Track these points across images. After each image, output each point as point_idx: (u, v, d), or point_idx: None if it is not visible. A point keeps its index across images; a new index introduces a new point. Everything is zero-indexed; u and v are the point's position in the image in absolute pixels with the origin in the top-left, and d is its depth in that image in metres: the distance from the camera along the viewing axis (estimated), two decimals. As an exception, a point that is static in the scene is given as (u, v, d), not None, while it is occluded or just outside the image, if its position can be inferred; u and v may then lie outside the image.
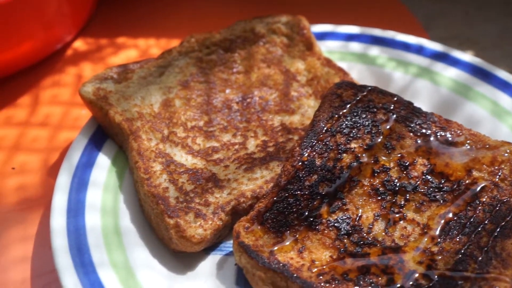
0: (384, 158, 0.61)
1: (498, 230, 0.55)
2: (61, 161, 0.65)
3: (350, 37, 0.80)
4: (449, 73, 0.75)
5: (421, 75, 0.76)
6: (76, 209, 0.61)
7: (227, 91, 0.72)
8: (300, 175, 0.59)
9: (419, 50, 0.78)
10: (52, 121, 0.78)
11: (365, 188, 0.59)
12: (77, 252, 0.57)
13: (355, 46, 0.79)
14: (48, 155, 0.74)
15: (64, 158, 0.65)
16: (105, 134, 0.68)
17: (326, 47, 0.79)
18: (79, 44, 0.90)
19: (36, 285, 0.61)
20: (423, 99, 0.73)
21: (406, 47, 0.79)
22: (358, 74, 0.77)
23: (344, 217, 0.57)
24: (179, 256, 0.61)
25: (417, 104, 0.66)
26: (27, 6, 0.73)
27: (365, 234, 0.56)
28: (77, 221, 0.60)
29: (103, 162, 0.66)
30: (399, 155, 0.61)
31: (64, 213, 0.60)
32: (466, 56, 0.76)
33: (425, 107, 0.69)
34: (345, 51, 0.79)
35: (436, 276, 0.52)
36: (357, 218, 0.57)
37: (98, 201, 0.62)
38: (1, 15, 0.71)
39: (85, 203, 0.61)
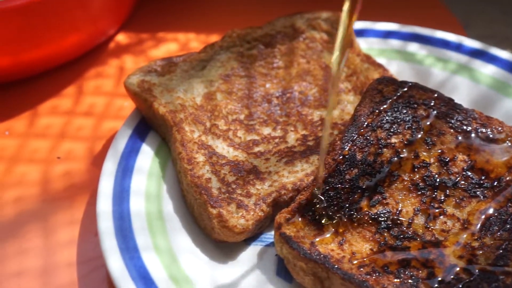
0: (424, 153, 0.62)
1: (539, 226, 0.55)
2: (106, 150, 0.67)
3: (388, 34, 0.81)
4: (487, 70, 0.75)
5: (459, 71, 0.76)
6: (121, 195, 0.62)
7: (267, 85, 0.73)
8: (341, 169, 0.60)
9: (457, 47, 0.78)
10: (96, 111, 0.80)
11: (405, 183, 0.60)
12: (122, 236, 0.59)
13: (394, 43, 0.79)
14: (93, 143, 0.76)
15: (109, 147, 0.66)
16: (148, 125, 0.70)
17: (365, 43, 0.79)
18: (121, 38, 0.92)
19: (82, 270, 0.63)
20: (462, 95, 0.73)
21: (444, 43, 0.79)
22: (397, 70, 0.77)
23: (384, 211, 0.58)
24: (221, 245, 0.62)
25: (455, 100, 0.66)
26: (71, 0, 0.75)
27: (405, 228, 0.57)
28: (122, 206, 0.62)
29: (146, 153, 0.67)
30: (439, 150, 0.62)
31: (110, 198, 0.62)
32: (504, 54, 0.76)
33: (463, 104, 0.69)
34: (384, 47, 0.79)
35: (477, 271, 0.53)
36: (397, 212, 0.58)
37: (142, 187, 0.64)
38: (49, 8, 0.73)
39: (130, 189, 0.63)
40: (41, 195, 0.70)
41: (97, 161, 0.73)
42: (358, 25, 0.81)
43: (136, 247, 0.58)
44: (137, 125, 0.69)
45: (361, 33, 0.80)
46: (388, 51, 0.79)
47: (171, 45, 0.90)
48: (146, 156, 0.67)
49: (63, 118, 0.79)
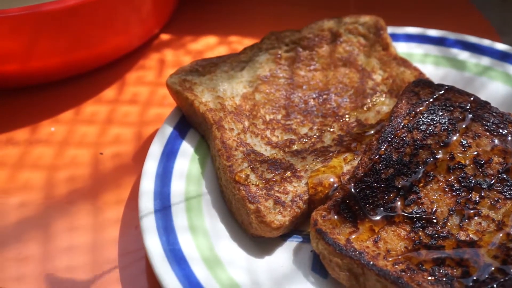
0: (460, 155, 0.62)
1: None
2: (151, 134, 0.71)
3: (424, 39, 0.82)
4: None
5: (495, 75, 0.77)
6: (164, 177, 0.65)
7: (305, 87, 0.75)
8: (377, 168, 0.61)
9: (492, 51, 0.79)
10: (140, 99, 0.85)
11: (440, 184, 0.61)
12: (160, 216, 0.61)
13: (430, 47, 0.81)
14: (140, 129, 0.80)
15: (154, 136, 0.70)
16: (188, 123, 0.72)
17: (401, 47, 0.81)
18: (163, 35, 0.96)
19: (123, 246, 0.66)
20: (497, 99, 0.74)
21: (479, 48, 0.80)
22: (433, 73, 0.78)
23: (419, 211, 0.59)
24: (258, 240, 0.64)
25: (491, 104, 0.67)
26: (126, 4, 0.79)
27: (439, 228, 0.58)
28: (163, 187, 0.64)
29: (186, 150, 0.69)
30: (475, 153, 0.62)
31: (152, 179, 0.65)
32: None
33: (499, 107, 0.70)
34: (419, 52, 0.81)
35: (512, 270, 0.53)
36: (432, 212, 0.59)
37: (184, 171, 0.67)
38: (100, 10, 0.77)
39: (173, 171, 0.66)
40: (91, 176, 0.74)
41: (144, 144, 0.77)
42: (395, 30, 0.83)
43: (173, 228, 0.61)
44: (178, 123, 0.72)
45: (398, 37, 0.82)
46: (424, 55, 0.80)
47: (210, 39, 0.94)
48: (187, 151, 0.69)
49: (109, 106, 0.83)
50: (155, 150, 0.68)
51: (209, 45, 0.93)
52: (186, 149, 0.69)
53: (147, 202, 0.63)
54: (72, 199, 0.71)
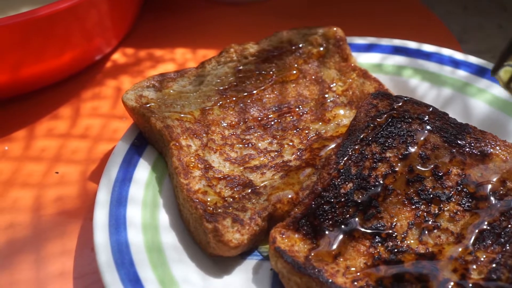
0: (418, 167, 0.62)
1: (532, 240, 0.55)
2: (100, 172, 0.67)
3: (385, 50, 0.81)
4: (481, 85, 0.76)
5: (453, 86, 0.77)
6: (117, 223, 0.62)
7: (264, 100, 0.74)
8: (336, 183, 0.61)
9: (453, 62, 0.79)
10: (91, 133, 0.80)
11: (400, 197, 0.60)
12: (121, 265, 0.58)
13: (390, 59, 0.80)
14: (87, 166, 0.76)
15: (105, 167, 0.67)
16: (145, 140, 0.71)
17: (361, 59, 0.80)
18: (118, 56, 0.93)
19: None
20: (455, 110, 0.74)
21: (440, 60, 0.80)
22: (392, 86, 0.78)
23: (378, 225, 0.58)
24: (216, 260, 0.62)
25: (450, 115, 0.67)
26: (69, 17, 0.76)
27: (399, 242, 0.57)
28: (117, 234, 0.61)
29: (143, 168, 0.68)
30: (433, 165, 0.62)
31: (106, 226, 0.61)
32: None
33: (457, 118, 0.70)
34: (379, 62, 0.80)
35: (470, 285, 0.53)
36: (392, 226, 0.58)
37: (139, 197, 0.65)
38: (44, 26, 0.74)
39: (128, 198, 0.64)
40: (33, 219, 0.70)
41: (93, 181, 0.74)
42: (355, 40, 0.82)
43: (137, 276, 0.58)
44: (135, 140, 0.70)
45: (358, 48, 0.81)
46: (384, 66, 0.80)
47: (168, 65, 0.91)
48: (144, 170, 0.67)
49: (59, 141, 0.79)
50: (109, 177, 0.66)
51: (167, 71, 0.90)
52: (142, 170, 0.67)
53: (105, 255, 0.59)
54: (12, 250, 0.67)
